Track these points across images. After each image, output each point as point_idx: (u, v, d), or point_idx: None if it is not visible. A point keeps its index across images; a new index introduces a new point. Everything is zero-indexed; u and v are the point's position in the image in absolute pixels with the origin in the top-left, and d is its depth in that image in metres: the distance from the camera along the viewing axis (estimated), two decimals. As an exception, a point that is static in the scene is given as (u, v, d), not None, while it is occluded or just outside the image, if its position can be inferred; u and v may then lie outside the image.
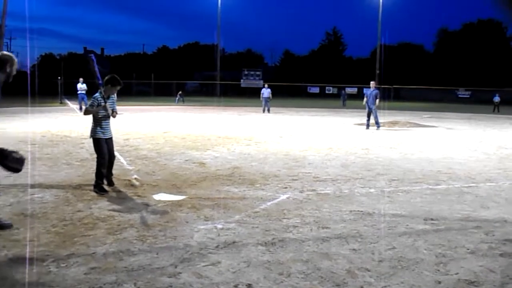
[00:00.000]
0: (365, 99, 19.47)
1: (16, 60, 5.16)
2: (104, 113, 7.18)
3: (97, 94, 7.17)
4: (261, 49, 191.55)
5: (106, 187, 7.16)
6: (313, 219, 5.88)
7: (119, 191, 7.23)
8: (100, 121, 7.17)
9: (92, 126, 7.21)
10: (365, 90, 20.52)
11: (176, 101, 44.78)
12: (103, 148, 7.18)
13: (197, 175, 8.63)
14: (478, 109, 38.63)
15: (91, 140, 7.30)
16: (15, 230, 5.23)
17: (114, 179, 7.55)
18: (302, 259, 4.51)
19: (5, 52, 5.16)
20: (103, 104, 7.09)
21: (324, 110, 36.52)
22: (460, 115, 32.41)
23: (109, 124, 7.31)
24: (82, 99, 26.76)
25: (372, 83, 19.78)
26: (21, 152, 5.11)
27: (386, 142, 14.67)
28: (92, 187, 7.16)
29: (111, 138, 7.40)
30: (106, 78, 7.25)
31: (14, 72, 5.15)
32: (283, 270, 4.24)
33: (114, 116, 7.33)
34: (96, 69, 7.37)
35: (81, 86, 26.93)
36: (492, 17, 76.45)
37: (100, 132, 7.18)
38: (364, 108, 19.90)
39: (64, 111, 27.93)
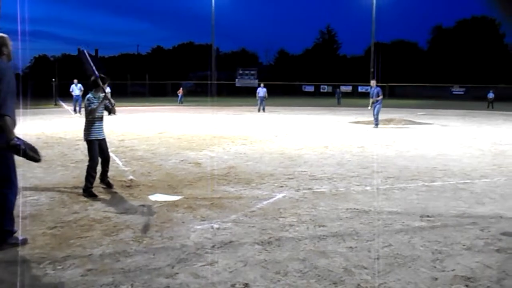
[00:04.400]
0: (371, 100, 19.59)
1: (8, 37, 4.88)
2: (101, 113, 7.18)
3: (89, 95, 7.16)
4: (256, 49, 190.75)
5: (101, 189, 7.14)
6: (309, 218, 5.89)
7: (115, 192, 7.22)
8: (93, 123, 7.14)
9: (85, 128, 7.17)
10: (371, 89, 20.59)
11: (179, 100, 44.21)
12: (96, 151, 7.16)
13: (193, 175, 8.63)
14: (472, 106, 38.75)
15: (85, 142, 7.27)
16: (10, 232, 5.21)
17: (110, 181, 7.54)
18: (298, 258, 4.51)
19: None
20: (96, 104, 7.08)
21: (319, 108, 36.56)
22: (455, 112, 32.49)
23: (102, 125, 7.30)
24: (77, 100, 26.62)
25: (372, 82, 19.96)
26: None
27: (381, 139, 14.70)
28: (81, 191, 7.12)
29: (104, 139, 7.38)
30: (91, 81, 7.24)
31: (11, 49, 4.91)
32: (280, 269, 4.24)
33: (114, 111, 7.40)
34: (91, 63, 7.37)
35: (75, 88, 26.82)
36: (486, 14, 76.73)
37: (94, 134, 7.15)
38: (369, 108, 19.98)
39: (59, 113, 27.87)
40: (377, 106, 19.11)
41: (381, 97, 19.24)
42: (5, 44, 4.81)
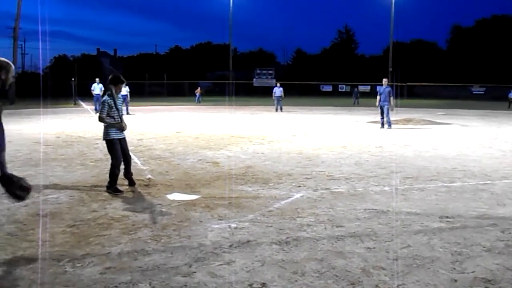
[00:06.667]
0: (378, 97, 19.13)
1: (12, 67, 4.70)
2: (116, 113, 7.23)
3: (106, 97, 7.22)
4: (273, 48, 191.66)
5: (120, 187, 7.19)
6: (327, 218, 5.86)
7: (133, 191, 7.27)
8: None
9: (104, 128, 7.25)
10: (378, 88, 20.31)
11: (197, 100, 44.55)
12: (117, 150, 7.22)
13: (211, 174, 8.65)
14: (492, 106, 38.25)
15: (104, 141, 7.34)
16: (30, 230, 5.28)
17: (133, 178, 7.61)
18: (316, 258, 4.49)
19: (1, 58, 4.72)
20: (113, 106, 7.13)
21: (337, 108, 36.38)
22: (475, 112, 32.11)
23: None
24: (97, 99, 26.68)
25: (384, 80, 19.43)
26: (28, 181, 4.71)
27: (400, 139, 14.58)
28: (105, 188, 7.20)
29: (124, 138, 7.43)
30: (109, 78, 7.35)
31: (11, 80, 4.72)
32: (298, 269, 4.23)
33: (124, 129, 7.40)
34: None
35: (97, 87, 26.97)
36: (506, 13, 75.64)
37: (113, 133, 7.21)
38: (376, 106, 19.49)
39: (78, 112, 28.13)
40: (386, 106, 18.62)
41: (392, 97, 18.78)
42: (6, 70, 4.50)
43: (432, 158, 10.77)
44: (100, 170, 8.87)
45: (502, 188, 7.71)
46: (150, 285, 3.89)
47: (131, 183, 7.51)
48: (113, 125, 7.18)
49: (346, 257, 4.52)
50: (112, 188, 7.09)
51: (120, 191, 7.08)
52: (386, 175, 8.72)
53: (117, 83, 7.29)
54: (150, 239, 5.04)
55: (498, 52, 71.38)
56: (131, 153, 7.81)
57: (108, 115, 7.15)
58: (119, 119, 7.28)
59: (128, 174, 7.54)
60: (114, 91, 7.23)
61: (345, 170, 9.16)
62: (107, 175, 7.27)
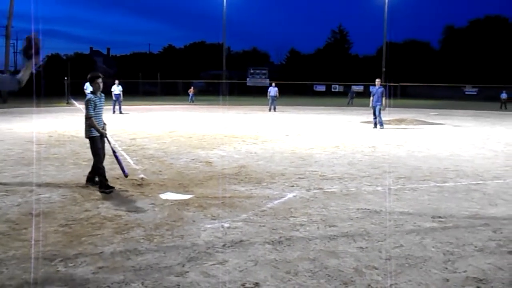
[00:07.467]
0: (371, 98, 19.16)
1: None
2: (100, 112, 7.23)
3: (90, 96, 7.23)
4: (267, 48, 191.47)
5: (113, 185, 7.19)
6: (320, 218, 5.87)
7: (126, 191, 7.25)
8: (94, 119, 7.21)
9: (86, 125, 7.22)
10: (371, 88, 20.33)
11: (190, 99, 44.44)
12: (99, 147, 7.21)
13: (204, 174, 8.64)
14: (485, 106, 38.37)
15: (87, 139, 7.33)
16: (22, 229, 5.26)
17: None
18: (309, 258, 4.50)
19: None
20: (97, 104, 7.13)
21: (330, 108, 36.40)
22: (467, 112, 32.23)
23: (101, 121, 7.34)
24: None
25: (377, 81, 19.45)
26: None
27: (393, 139, 14.63)
28: (97, 187, 7.19)
29: (106, 135, 7.43)
30: (88, 77, 7.35)
31: None
32: (290, 268, 4.24)
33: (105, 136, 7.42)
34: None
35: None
36: (500, 13, 75.96)
37: (95, 131, 7.19)
38: (370, 107, 19.50)
39: (71, 111, 28.01)
40: (378, 106, 18.65)
41: (384, 97, 18.72)
42: None
43: (425, 158, 10.81)
44: (93, 169, 8.84)
45: (494, 188, 7.76)
46: (143, 284, 3.89)
47: (91, 181, 7.47)
48: (96, 128, 7.15)
49: (338, 257, 4.53)
50: (103, 186, 7.07)
51: (112, 187, 7.09)
52: (379, 175, 8.74)
53: (94, 80, 7.29)
54: (143, 238, 5.03)
55: (491, 53, 71.70)
56: (123, 152, 7.76)
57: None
58: (102, 121, 7.30)
59: (93, 175, 7.50)
60: (97, 92, 7.25)
61: (338, 170, 9.18)
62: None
